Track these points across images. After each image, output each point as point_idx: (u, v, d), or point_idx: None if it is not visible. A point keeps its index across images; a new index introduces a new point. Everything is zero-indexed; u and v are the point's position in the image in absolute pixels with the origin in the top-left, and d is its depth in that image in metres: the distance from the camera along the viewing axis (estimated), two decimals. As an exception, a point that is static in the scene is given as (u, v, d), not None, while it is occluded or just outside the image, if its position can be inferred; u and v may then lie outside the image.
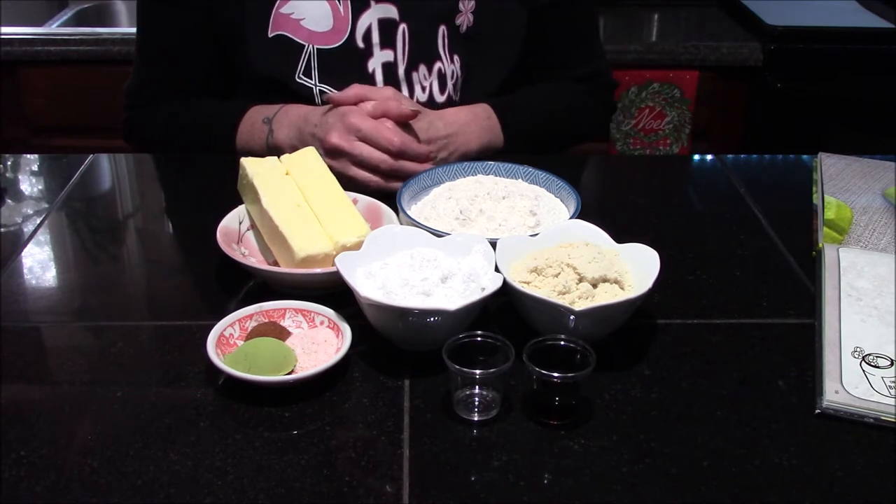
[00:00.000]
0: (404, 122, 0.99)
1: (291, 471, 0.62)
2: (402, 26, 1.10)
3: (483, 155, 1.08)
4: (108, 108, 1.55)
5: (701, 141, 2.00)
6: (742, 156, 1.24)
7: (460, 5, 1.11)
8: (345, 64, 1.09)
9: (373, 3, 1.09)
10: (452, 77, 1.13)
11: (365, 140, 0.96)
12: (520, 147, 1.11)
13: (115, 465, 0.62)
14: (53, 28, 1.96)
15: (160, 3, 1.11)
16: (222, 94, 1.16)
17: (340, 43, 1.09)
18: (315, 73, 1.09)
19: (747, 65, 1.88)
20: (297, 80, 1.09)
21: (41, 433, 0.65)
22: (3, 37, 1.80)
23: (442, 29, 1.11)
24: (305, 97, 1.09)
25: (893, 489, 0.61)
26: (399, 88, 1.11)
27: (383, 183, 0.97)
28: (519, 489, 0.61)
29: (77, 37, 1.82)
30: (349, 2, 1.08)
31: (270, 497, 0.60)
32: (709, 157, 1.21)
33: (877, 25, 1.94)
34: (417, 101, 1.11)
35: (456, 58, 1.13)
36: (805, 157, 1.16)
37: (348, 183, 0.95)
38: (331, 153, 0.96)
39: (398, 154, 0.97)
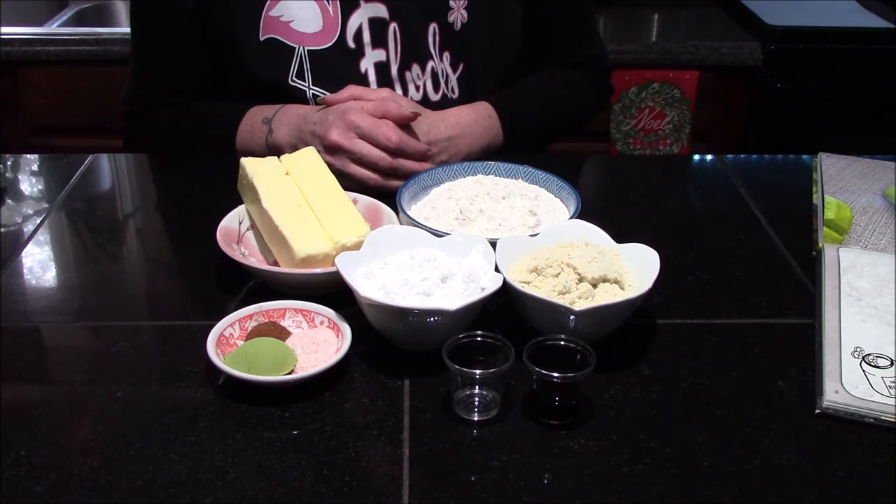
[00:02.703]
0: (405, 124, 0.99)
1: (291, 471, 0.62)
2: (393, 25, 1.09)
3: (483, 154, 1.08)
4: (108, 108, 1.54)
5: (701, 141, 2.00)
6: (742, 156, 1.24)
7: (451, 2, 1.10)
8: (337, 64, 1.09)
9: (362, 2, 1.08)
10: (443, 75, 1.12)
11: (364, 137, 0.96)
12: (519, 140, 1.11)
13: (115, 465, 0.62)
14: (53, 28, 1.96)
15: (151, 9, 1.11)
16: (219, 98, 1.16)
17: (331, 43, 1.09)
18: (308, 76, 1.09)
19: (747, 65, 1.88)
20: (291, 82, 1.09)
21: (41, 433, 0.65)
22: (3, 37, 1.80)
23: (433, 27, 1.11)
24: (299, 100, 1.09)
25: (893, 489, 0.61)
26: (393, 88, 1.11)
27: (382, 181, 0.97)
28: (519, 489, 0.61)
29: (77, 37, 1.82)
30: (338, 2, 1.08)
31: (270, 497, 0.60)
32: (709, 157, 1.21)
33: (877, 25, 1.94)
34: (412, 101, 1.11)
35: (446, 56, 1.12)
36: (805, 157, 1.16)
37: (348, 182, 0.95)
38: (330, 150, 0.97)
39: (396, 151, 0.97)
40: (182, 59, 1.13)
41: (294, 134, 1.01)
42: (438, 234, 0.82)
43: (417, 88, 1.12)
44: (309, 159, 0.90)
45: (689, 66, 1.88)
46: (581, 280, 0.75)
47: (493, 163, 1.00)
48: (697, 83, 1.89)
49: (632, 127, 1.96)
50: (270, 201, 0.84)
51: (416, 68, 1.11)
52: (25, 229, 0.96)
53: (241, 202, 0.90)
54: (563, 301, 0.72)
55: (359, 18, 1.09)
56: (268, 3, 1.07)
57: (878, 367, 0.70)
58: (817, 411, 0.68)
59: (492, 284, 0.73)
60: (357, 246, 0.80)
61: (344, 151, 0.96)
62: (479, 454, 0.64)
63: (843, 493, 0.61)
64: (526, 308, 0.74)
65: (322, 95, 1.08)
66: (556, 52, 1.21)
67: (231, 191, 0.92)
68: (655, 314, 0.80)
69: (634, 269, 0.78)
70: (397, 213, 0.89)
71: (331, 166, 0.92)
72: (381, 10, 1.09)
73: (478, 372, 0.65)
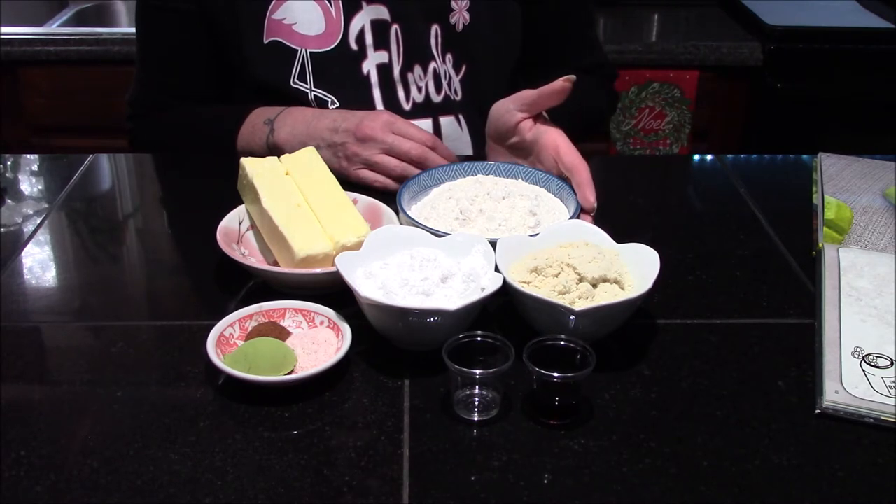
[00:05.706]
0: None
1: (291, 471, 0.62)
2: (395, 27, 1.10)
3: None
4: (108, 108, 1.55)
5: (701, 141, 2.00)
6: (742, 156, 1.24)
7: (453, 4, 1.11)
8: (339, 67, 1.09)
9: (364, 4, 1.09)
10: (446, 77, 1.13)
11: (398, 134, 0.99)
12: None
13: (115, 465, 0.62)
14: (53, 28, 1.96)
15: (157, 12, 1.11)
16: (222, 100, 1.16)
17: (334, 46, 1.09)
18: (310, 78, 1.09)
19: (747, 65, 1.88)
20: (293, 85, 1.09)
21: (41, 433, 0.65)
22: (3, 37, 1.80)
23: (435, 28, 1.11)
24: (301, 103, 1.09)
25: (893, 489, 0.61)
26: (395, 90, 1.11)
27: (410, 169, 0.99)
28: (519, 489, 0.61)
29: (77, 37, 1.82)
30: (341, 4, 1.08)
31: (270, 497, 0.60)
32: (709, 157, 1.21)
33: (877, 25, 1.94)
34: (414, 102, 1.12)
35: (449, 57, 1.12)
36: (805, 157, 1.16)
37: (364, 174, 0.98)
38: (362, 140, 0.98)
39: (431, 147, 1.00)
40: (186, 63, 1.14)
41: (302, 131, 1.02)
42: (438, 234, 0.82)
43: (419, 90, 1.12)
44: (309, 159, 0.90)
45: (689, 66, 1.88)
46: (581, 280, 0.75)
47: (493, 163, 1.00)
48: (697, 83, 1.89)
49: (632, 127, 1.96)
50: (270, 201, 0.84)
51: (417, 69, 1.11)
52: (25, 229, 0.96)
53: (241, 202, 0.90)
54: (563, 301, 0.72)
55: (361, 20, 1.09)
56: (271, 5, 1.07)
57: (878, 367, 0.70)
58: (817, 411, 0.68)
59: (492, 284, 0.73)
60: (357, 246, 0.80)
61: (377, 142, 0.98)
62: (479, 454, 0.64)
63: (843, 493, 0.61)
64: (526, 308, 0.74)
65: (322, 97, 1.08)
66: (558, 61, 1.20)
67: (231, 191, 0.92)
68: (655, 314, 0.80)
69: (634, 269, 0.78)
70: (397, 213, 0.89)
71: (357, 157, 0.95)
72: (383, 12, 1.09)
73: (478, 372, 0.65)
